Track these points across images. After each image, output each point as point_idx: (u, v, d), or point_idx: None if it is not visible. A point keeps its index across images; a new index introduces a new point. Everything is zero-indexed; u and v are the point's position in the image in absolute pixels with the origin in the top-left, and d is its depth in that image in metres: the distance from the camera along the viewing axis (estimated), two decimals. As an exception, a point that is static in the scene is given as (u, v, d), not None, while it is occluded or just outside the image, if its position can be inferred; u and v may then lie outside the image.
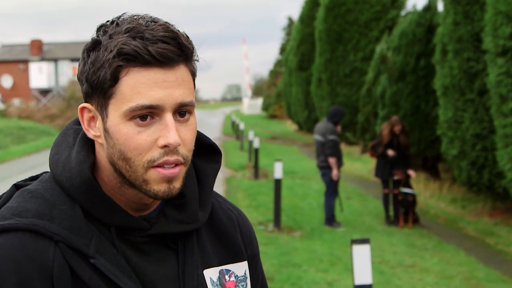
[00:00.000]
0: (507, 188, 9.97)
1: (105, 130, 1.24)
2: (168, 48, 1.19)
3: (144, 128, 1.21)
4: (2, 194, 1.32)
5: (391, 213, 10.94)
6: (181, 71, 1.23)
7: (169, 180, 1.23)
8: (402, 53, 14.93)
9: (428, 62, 14.32)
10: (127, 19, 1.24)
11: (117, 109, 1.21)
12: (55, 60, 62.09)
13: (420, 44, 14.78)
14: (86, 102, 1.28)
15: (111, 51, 1.19)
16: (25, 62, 60.70)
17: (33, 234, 1.19)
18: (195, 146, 1.29)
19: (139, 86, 1.19)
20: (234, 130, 32.88)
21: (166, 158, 1.21)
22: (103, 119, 1.24)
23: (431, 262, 8.44)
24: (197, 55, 1.28)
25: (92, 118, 1.28)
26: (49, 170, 1.38)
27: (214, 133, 32.57)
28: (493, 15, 9.17)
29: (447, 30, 11.23)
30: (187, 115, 1.25)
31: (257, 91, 78.64)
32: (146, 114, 1.20)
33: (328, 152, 10.15)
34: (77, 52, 62.65)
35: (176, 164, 1.23)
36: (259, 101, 63.71)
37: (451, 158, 11.67)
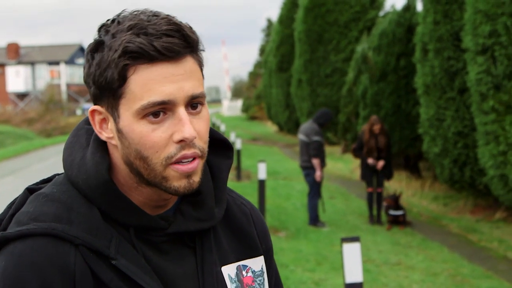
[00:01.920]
0: (488, 185, 10.08)
1: (118, 131, 1.22)
2: (174, 42, 1.18)
3: (158, 125, 1.19)
4: (15, 199, 1.30)
5: (375, 212, 11.00)
6: (189, 63, 1.21)
7: (188, 175, 1.22)
8: (383, 53, 15.03)
9: (408, 61, 14.43)
10: (128, 16, 1.21)
11: (128, 108, 1.19)
12: (32, 63, 61.58)
13: (400, 44, 14.88)
14: (95, 104, 1.26)
15: (116, 50, 1.17)
16: (2, 65, 60.14)
17: (52, 239, 1.18)
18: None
19: (149, 83, 1.17)
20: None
21: (183, 152, 1.20)
22: (115, 120, 1.22)
23: (416, 259, 8.51)
24: (203, 45, 1.26)
25: (104, 120, 1.26)
26: (57, 173, 1.36)
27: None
28: (473, 14, 9.27)
29: (427, 30, 11.33)
30: (199, 107, 1.23)
31: (236, 92, 78.64)
32: (159, 110, 1.19)
33: (312, 153, 10.18)
34: (54, 55, 62.18)
35: (194, 158, 1.22)
36: (239, 103, 63.71)
37: (433, 156, 11.77)
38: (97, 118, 1.26)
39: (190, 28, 1.23)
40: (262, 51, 55.20)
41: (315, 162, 10.21)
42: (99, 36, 1.22)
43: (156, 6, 1.27)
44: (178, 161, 1.21)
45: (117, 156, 1.26)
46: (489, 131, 9.11)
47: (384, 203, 10.64)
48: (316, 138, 10.18)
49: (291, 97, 26.62)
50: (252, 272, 1.40)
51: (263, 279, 1.42)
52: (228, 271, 1.35)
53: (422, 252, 8.93)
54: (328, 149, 21.00)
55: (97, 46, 1.21)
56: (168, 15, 1.22)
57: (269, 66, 32.78)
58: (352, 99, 17.65)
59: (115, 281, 1.19)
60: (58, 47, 64.47)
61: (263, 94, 39.48)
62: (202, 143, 1.23)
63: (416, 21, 14.15)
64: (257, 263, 1.42)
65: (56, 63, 61.62)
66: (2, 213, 1.28)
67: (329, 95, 21.71)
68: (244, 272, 1.38)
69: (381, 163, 10.62)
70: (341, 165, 18.63)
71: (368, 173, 10.82)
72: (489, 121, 9.07)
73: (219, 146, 1.42)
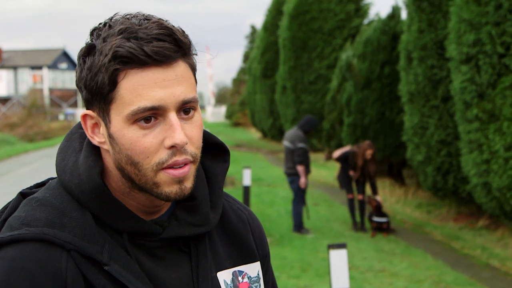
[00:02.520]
0: (471, 193, 10.15)
1: (110, 136, 1.21)
2: (164, 46, 1.16)
3: (149, 130, 1.18)
4: (8, 203, 1.29)
5: (358, 219, 11.02)
6: (180, 68, 1.20)
7: (180, 180, 1.20)
8: (368, 61, 15.10)
9: (393, 69, 14.51)
10: (119, 20, 1.20)
11: (119, 113, 1.18)
12: (15, 67, 61.20)
13: (384, 51, 14.97)
14: (87, 109, 1.25)
15: (106, 55, 1.16)
16: (-16, 70, 59.65)
17: (44, 244, 1.16)
18: (202, 145, 1.26)
19: (139, 88, 1.16)
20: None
21: (174, 159, 1.19)
22: (106, 125, 1.21)
23: (400, 266, 8.53)
24: (195, 49, 1.25)
25: (96, 125, 1.25)
26: (53, 176, 1.35)
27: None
28: (457, 23, 9.34)
29: (412, 38, 11.41)
30: (191, 112, 1.22)
31: (220, 99, 78.58)
32: (150, 116, 1.17)
33: (297, 160, 10.20)
34: (37, 59, 61.84)
35: (186, 163, 1.20)
36: (223, 109, 63.66)
37: (416, 164, 11.83)
38: (89, 122, 1.25)
39: (183, 32, 1.22)
40: (246, 57, 55.29)
41: (300, 169, 10.23)
42: (91, 40, 1.21)
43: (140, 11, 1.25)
44: (170, 167, 1.19)
45: (109, 161, 1.25)
46: (473, 139, 9.17)
47: (369, 206, 10.65)
48: (301, 145, 10.20)
49: (275, 103, 26.65)
50: (248, 278, 1.39)
51: (260, 285, 1.41)
52: (224, 276, 1.34)
53: (406, 259, 8.96)
54: (312, 156, 21.03)
55: (89, 50, 1.20)
56: (160, 18, 1.21)
57: (254, 72, 32.79)
58: (336, 106, 17.70)
59: (108, 287, 1.17)
60: (41, 51, 64.11)
61: (247, 100, 39.47)
62: (194, 149, 1.22)
63: (400, 30, 14.24)
64: (254, 269, 1.41)
65: (39, 67, 61.28)
66: None
67: (313, 102, 21.77)
68: (240, 278, 1.37)
69: (378, 199, 10.68)
70: (325, 172, 18.66)
71: (346, 179, 10.84)
72: (473, 130, 9.14)
73: (215, 150, 1.40)
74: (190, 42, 1.23)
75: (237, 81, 60.96)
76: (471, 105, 9.15)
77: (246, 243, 1.41)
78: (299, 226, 10.53)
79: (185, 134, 1.19)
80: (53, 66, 62.47)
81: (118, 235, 1.23)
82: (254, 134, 39.53)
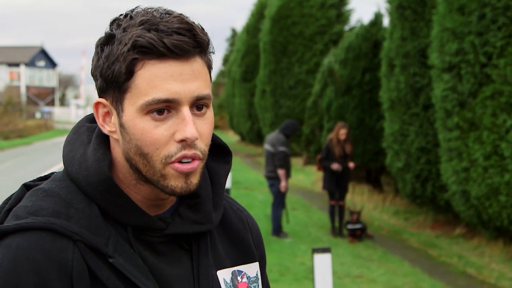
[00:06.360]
0: (449, 201, 10.21)
1: (121, 125, 1.21)
2: (184, 40, 1.17)
3: (161, 122, 1.18)
4: (12, 195, 1.28)
5: (337, 224, 11.04)
6: (197, 64, 1.21)
7: (187, 175, 1.21)
8: (349, 67, 15.17)
9: (373, 76, 14.58)
10: (140, 12, 1.21)
11: (132, 103, 1.19)
12: (-9, 64, 60.59)
13: (366, 58, 15.04)
14: (100, 97, 1.25)
15: (126, 44, 1.17)
16: (-40, 65, 59.04)
17: (51, 233, 1.16)
18: None
19: (155, 79, 1.17)
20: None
21: (183, 152, 1.19)
22: (118, 114, 1.22)
23: (377, 272, 8.55)
24: (213, 47, 1.26)
25: (107, 114, 1.25)
26: (54, 171, 1.34)
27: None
28: (440, 32, 9.41)
29: (394, 45, 11.46)
30: (204, 109, 1.23)
31: (198, 101, 78.50)
32: (163, 108, 1.18)
33: (277, 164, 10.19)
34: (14, 57, 61.25)
35: (194, 159, 1.21)
36: (201, 111, 63.58)
37: (395, 171, 11.88)
38: (101, 111, 1.25)
39: (202, 29, 1.23)
40: (226, 60, 55.23)
41: (281, 172, 10.22)
42: (111, 30, 1.22)
43: (126, 9, 1.27)
44: (178, 161, 1.20)
45: (118, 151, 1.26)
46: (453, 147, 9.23)
47: (350, 219, 10.66)
48: (282, 148, 10.19)
49: (254, 107, 26.66)
50: (247, 278, 1.40)
51: (258, 285, 1.42)
52: (224, 275, 1.35)
53: (383, 266, 8.98)
54: (291, 160, 21.06)
55: (108, 39, 1.21)
56: (181, 14, 1.23)
57: (233, 75, 32.77)
58: (317, 111, 17.74)
59: (112, 279, 1.18)
60: (19, 48, 63.53)
61: (225, 103, 39.44)
62: (204, 145, 1.23)
63: (382, 37, 14.31)
64: (252, 269, 1.42)
65: (16, 64, 60.71)
66: None
67: (292, 107, 21.81)
68: (239, 278, 1.38)
69: (351, 164, 10.69)
70: (303, 176, 18.68)
71: (332, 184, 10.84)
72: (453, 138, 9.20)
73: (218, 151, 1.41)
74: (208, 39, 1.24)
75: (215, 84, 60.88)
76: (452, 113, 9.21)
77: (246, 243, 1.43)
78: (277, 230, 10.51)
79: (196, 129, 1.19)
80: (31, 64, 61.94)
81: (122, 229, 1.23)
82: (232, 137, 39.51)
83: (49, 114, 51.45)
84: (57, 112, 56.53)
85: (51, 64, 66.44)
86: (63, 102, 73.23)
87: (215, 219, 1.34)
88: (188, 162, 1.20)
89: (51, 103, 64.73)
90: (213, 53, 1.26)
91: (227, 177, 1.41)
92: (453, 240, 10.65)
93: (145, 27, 1.17)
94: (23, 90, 58.98)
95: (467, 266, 9.11)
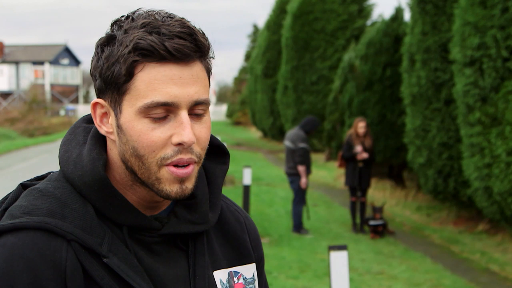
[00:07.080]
0: (471, 197, 10.10)
1: (118, 126, 1.22)
2: (185, 44, 1.18)
3: (159, 125, 1.19)
4: (9, 194, 1.29)
5: (358, 220, 10.99)
6: (197, 68, 1.21)
7: (182, 180, 1.21)
8: (370, 62, 15.07)
9: (395, 71, 14.47)
10: (142, 14, 1.22)
11: (131, 105, 1.19)
12: (17, 62, 61.26)
13: (387, 53, 14.93)
14: (98, 97, 1.26)
15: (127, 45, 1.17)
16: (-14, 64, 59.69)
17: (45, 233, 1.17)
18: None
19: (155, 82, 1.17)
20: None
21: (179, 156, 1.20)
22: (116, 115, 1.22)
23: (398, 269, 8.49)
24: (213, 52, 1.26)
25: (105, 114, 1.25)
26: (52, 170, 1.35)
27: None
28: (461, 26, 9.30)
29: (415, 40, 11.36)
30: (202, 113, 1.23)
31: (221, 97, 78.53)
32: (161, 111, 1.18)
33: (297, 160, 10.16)
34: (39, 55, 61.83)
35: (189, 164, 1.21)
36: (223, 108, 63.65)
37: (417, 167, 11.79)
38: (99, 111, 1.26)
39: (203, 34, 1.24)
40: (248, 56, 55.20)
41: (301, 169, 10.19)
42: (112, 31, 1.23)
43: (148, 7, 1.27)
44: (173, 164, 1.20)
45: (114, 152, 1.26)
46: (475, 143, 9.13)
47: (373, 215, 10.59)
48: (302, 145, 10.16)
49: (276, 103, 26.61)
50: (244, 279, 1.40)
51: (254, 286, 1.42)
52: (220, 276, 1.36)
53: (404, 262, 8.91)
54: (312, 156, 21.02)
55: (108, 40, 1.22)
56: (182, 18, 1.23)
57: (255, 71, 32.73)
58: (338, 107, 17.67)
59: (106, 279, 1.18)
60: (43, 47, 64.10)
61: (247, 99, 39.42)
62: (200, 149, 1.23)
63: (403, 31, 14.20)
64: (249, 270, 1.42)
65: (41, 63, 61.27)
66: None
67: (314, 102, 21.73)
68: (235, 279, 1.38)
69: (364, 155, 10.57)
70: (325, 172, 18.62)
71: (355, 180, 10.75)
72: (475, 133, 9.09)
73: (215, 152, 1.42)
74: (209, 44, 1.25)
75: (238, 80, 60.91)
76: (473, 108, 9.10)
77: (243, 244, 1.43)
78: (298, 227, 10.49)
79: (193, 133, 1.20)
80: (55, 62, 62.45)
81: (118, 229, 1.24)
82: (254, 133, 39.51)
83: (73, 112, 51.88)
84: (81, 109, 56.90)
85: (75, 62, 66.92)
86: (87, 99, 73.73)
87: (211, 219, 1.35)
88: (183, 167, 1.21)
89: (75, 100, 65.20)
90: (213, 58, 1.27)
91: (224, 177, 1.42)
92: (476, 236, 10.55)
93: (147, 29, 1.18)
94: (47, 88, 59.50)
95: (490, 262, 9.02)
